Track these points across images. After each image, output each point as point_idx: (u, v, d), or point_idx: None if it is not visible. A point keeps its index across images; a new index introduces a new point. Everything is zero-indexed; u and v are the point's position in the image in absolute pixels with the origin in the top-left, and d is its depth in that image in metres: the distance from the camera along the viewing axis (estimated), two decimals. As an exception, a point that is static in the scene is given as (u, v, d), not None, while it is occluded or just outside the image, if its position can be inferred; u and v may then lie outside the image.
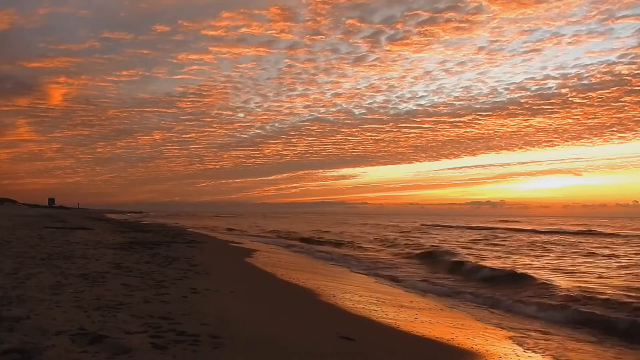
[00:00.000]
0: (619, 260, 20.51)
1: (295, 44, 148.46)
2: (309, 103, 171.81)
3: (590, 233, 42.94)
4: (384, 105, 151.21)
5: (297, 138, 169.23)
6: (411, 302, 10.96)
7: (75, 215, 64.64)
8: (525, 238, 36.51)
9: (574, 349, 7.55)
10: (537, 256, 22.41)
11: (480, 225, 60.36)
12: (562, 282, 13.71)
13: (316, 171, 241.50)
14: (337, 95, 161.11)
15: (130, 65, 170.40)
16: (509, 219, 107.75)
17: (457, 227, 56.49)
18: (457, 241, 32.84)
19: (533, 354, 6.94)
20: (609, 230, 46.76)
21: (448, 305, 10.87)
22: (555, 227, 53.53)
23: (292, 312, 8.52)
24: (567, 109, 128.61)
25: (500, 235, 41.23)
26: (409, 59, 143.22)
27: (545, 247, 27.25)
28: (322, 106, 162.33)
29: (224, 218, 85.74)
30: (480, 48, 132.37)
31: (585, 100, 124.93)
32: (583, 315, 10.02)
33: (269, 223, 65.42)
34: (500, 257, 21.63)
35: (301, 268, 16.23)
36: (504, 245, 29.51)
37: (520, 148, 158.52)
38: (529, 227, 53.41)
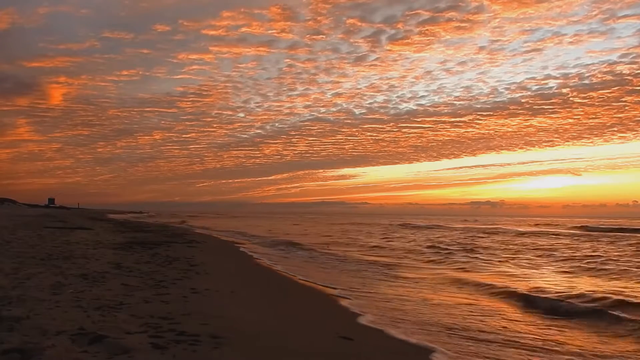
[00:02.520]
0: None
1: (295, 44, 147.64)
2: (309, 103, 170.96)
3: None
4: (384, 105, 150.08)
5: (297, 138, 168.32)
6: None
7: (75, 215, 64.61)
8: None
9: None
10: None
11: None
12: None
13: (316, 171, 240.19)
14: (338, 95, 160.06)
15: (130, 65, 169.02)
16: (495, 218, 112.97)
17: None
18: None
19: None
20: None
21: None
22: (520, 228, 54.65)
23: (291, 310, 8.53)
24: (568, 109, 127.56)
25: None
26: (409, 59, 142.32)
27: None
28: (323, 106, 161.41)
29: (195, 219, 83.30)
30: (481, 48, 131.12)
31: (586, 100, 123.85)
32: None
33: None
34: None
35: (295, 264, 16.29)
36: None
37: (520, 148, 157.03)
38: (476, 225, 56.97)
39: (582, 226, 54.09)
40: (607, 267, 16.19)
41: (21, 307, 6.35)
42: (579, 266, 16.58)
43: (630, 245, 26.53)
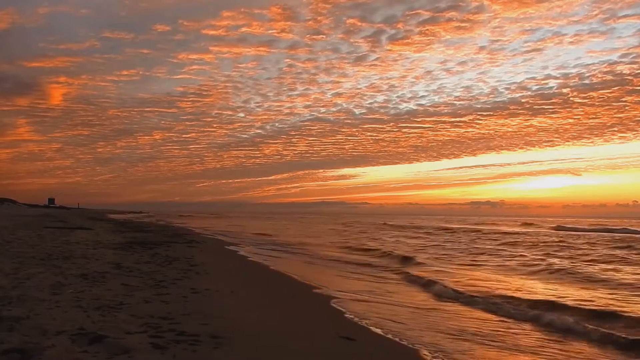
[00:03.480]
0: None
1: (295, 44, 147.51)
2: (309, 103, 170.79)
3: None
4: (384, 105, 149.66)
5: (297, 138, 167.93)
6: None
7: (75, 215, 64.58)
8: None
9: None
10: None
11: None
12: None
13: (316, 171, 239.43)
14: (338, 95, 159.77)
15: (130, 65, 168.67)
16: (488, 218, 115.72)
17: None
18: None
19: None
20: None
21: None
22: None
23: (291, 310, 8.52)
24: (568, 109, 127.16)
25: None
26: (409, 59, 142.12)
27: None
28: (323, 106, 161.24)
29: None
30: (481, 48, 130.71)
31: (586, 100, 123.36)
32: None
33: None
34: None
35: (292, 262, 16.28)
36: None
37: (520, 148, 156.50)
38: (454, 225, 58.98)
39: (557, 226, 56.50)
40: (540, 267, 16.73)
41: (21, 307, 6.34)
42: (511, 267, 17.08)
43: (587, 244, 27.06)
